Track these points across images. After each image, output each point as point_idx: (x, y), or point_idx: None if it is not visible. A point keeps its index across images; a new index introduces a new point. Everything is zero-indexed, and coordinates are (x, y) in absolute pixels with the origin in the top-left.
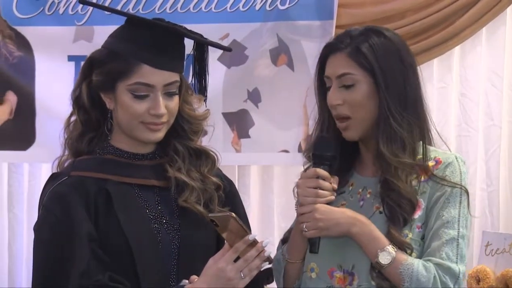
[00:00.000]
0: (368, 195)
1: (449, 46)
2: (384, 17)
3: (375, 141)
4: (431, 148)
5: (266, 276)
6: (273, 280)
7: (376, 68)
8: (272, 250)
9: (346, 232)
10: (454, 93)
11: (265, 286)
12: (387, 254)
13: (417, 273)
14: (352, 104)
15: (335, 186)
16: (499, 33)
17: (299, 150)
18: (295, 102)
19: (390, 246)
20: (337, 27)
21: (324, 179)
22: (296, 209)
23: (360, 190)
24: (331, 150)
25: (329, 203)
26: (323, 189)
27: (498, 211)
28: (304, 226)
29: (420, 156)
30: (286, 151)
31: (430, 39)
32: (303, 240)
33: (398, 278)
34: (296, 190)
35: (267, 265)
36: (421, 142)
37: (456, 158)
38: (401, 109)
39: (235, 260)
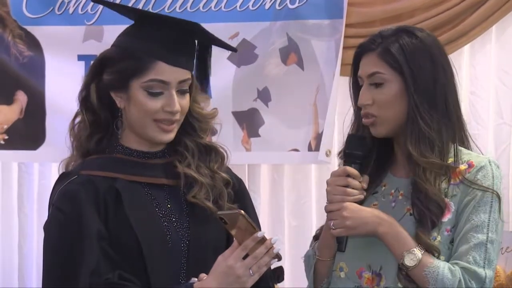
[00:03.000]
0: (400, 197)
1: (459, 45)
2: (394, 15)
3: (404, 141)
4: (465, 151)
5: (276, 274)
6: (283, 279)
7: (405, 67)
8: (281, 247)
9: (373, 232)
10: (463, 92)
11: (276, 285)
12: (413, 256)
13: (442, 276)
14: (381, 103)
15: (365, 185)
16: (508, 31)
17: (309, 149)
18: (305, 101)
19: (417, 248)
20: (346, 25)
21: (353, 178)
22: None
23: (393, 191)
24: (362, 149)
25: (359, 202)
26: (352, 188)
27: (508, 210)
28: (332, 224)
29: (452, 159)
30: (296, 150)
31: (439, 38)
32: (333, 238)
33: (423, 280)
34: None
35: (276, 262)
36: (453, 144)
37: (489, 162)
38: (430, 109)
39: (244, 258)
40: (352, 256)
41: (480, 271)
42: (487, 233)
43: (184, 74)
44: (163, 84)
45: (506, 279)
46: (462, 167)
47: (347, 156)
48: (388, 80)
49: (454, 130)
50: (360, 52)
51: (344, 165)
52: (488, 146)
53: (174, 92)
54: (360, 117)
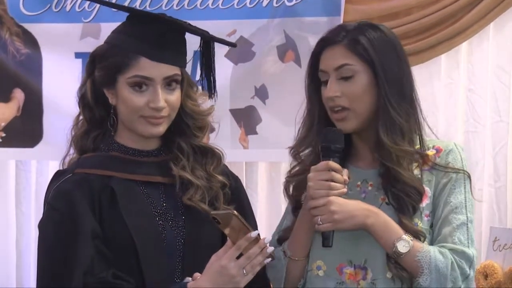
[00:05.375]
0: (370, 188)
1: (456, 42)
2: (391, 13)
3: (373, 132)
4: (426, 137)
5: None
6: None
7: (375, 58)
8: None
9: (361, 224)
10: (461, 89)
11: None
12: (405, 243)
13: (435, 260)
14: (351, 96)
15: (346, 178)
16: (506, 29)
17: None
18: (302, 98)
19: (406, 235)
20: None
21: (336, 171)
22: (303, 203)
23: (359, 182)
24: (341, 142)
25: (340, 195)
26: (335, 182)
27: (506, 207)
28: (319, 220)
29: (417, 146)
30: None
31: (437, 35)
32: (308, 236)
33: (416, 266)
34: (284, 189)
35: (269, 261)
36: (416, 133)
37: (455, 145)
38: (400, 99)
39: (238, 257)
40: (330, 253)
41: (467, 250)
42: (466, 214)
43: (170, 70)
44: (147, 80)
45: (504, 276)
46: (430, 152)
47: (326, 150)
48: (357, 72)
49: (418, 119)
50: (323, 46)
51: (323, 159)
52: (486, 144)
53: (158, 88)
54: (317, 111)
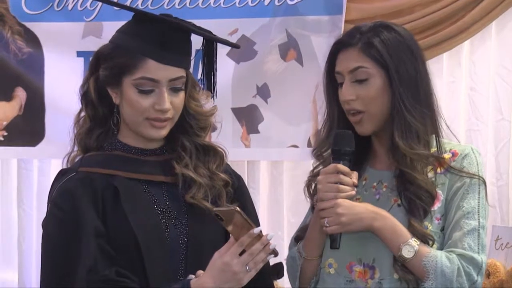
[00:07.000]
0: (384, 189)
1: (459, 41)
2: (393, 11)
3: (389, 134)
4: (444, 140)
5: (276, 271)
6: (283, 275)
7: (389, 61)
8: (277, 243)
9: (369, 227)
10: (463, 88)
11: (275, 281)
12: (410, 248)
13: (441, 265)
14: (365, 99)
15: (355, 181)
16: (508, 27)
17: (309, 145)
18: (304, 97)
19: (413, 239)
20: (346, 22)
21: (344, 174)
22: (315, 205)
23: (375, 183)
24: (351, 145)
25: (350, 198)
26: (343, 184)
27: (508, 205)
28: (326, 222)
29: (434, 149)
30: (296, 146)
31: (439, 34)
32: (321, 236)
33: (422, 271)
34: (305, 188)
35: (272, 258)
36: (434, 134)
37: (472, 150)
38: (414, 102)
39: (241, 254)
40: (341, 251)
41: (476, 256)
42: (478, 219)
43: (176, 72)
44: (153, 82)
45: (506, 275)
46: (446, 156)
47: (336, 153)
48: (371, 75)
49: (435, 121)
50: (338, 48)
51: (333, 162)
52: (488, 143)
53: (164, 90)
54: (336, 113)
